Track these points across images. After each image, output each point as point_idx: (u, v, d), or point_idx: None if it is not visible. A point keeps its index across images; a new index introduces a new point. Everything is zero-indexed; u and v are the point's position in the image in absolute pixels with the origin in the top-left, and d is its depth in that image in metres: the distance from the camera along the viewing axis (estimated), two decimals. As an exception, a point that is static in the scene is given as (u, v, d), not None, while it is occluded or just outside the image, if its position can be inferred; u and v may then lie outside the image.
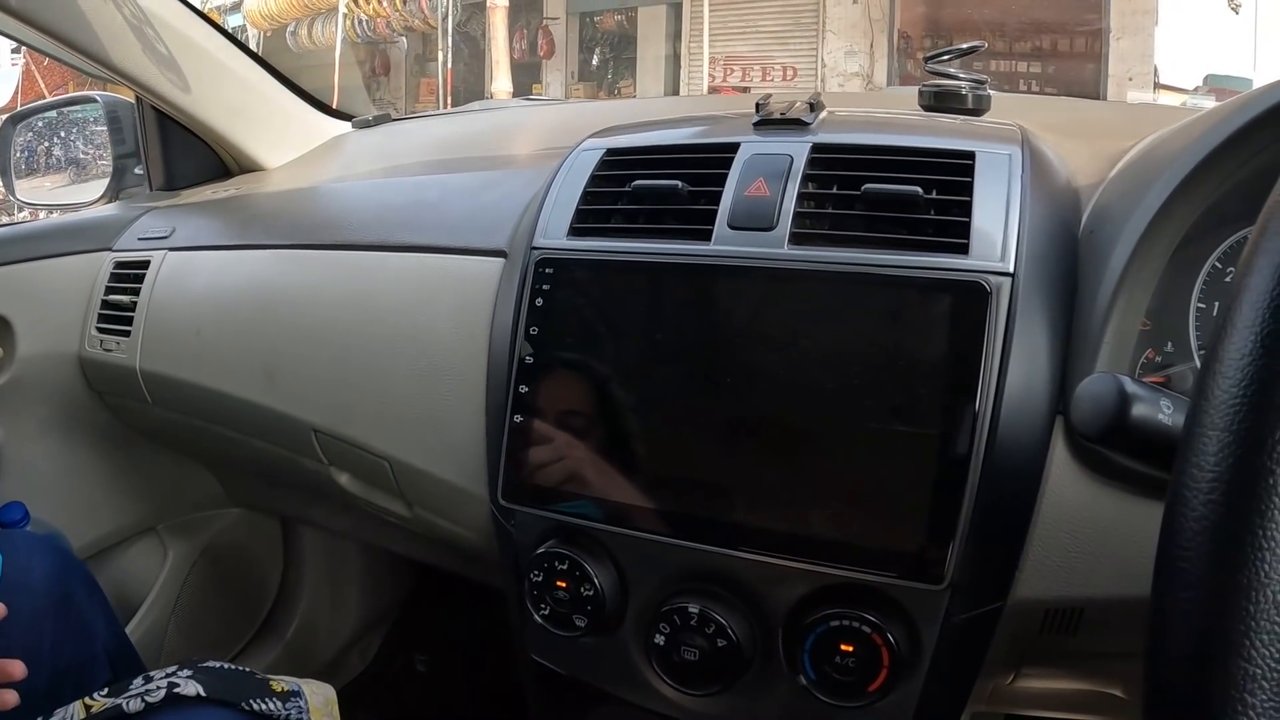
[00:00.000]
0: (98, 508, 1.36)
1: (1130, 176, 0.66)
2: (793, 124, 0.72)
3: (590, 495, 0.67)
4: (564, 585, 0.68)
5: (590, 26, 11.28)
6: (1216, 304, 0.67)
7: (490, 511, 0.74)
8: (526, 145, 0.96)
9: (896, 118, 0.87)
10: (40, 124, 1.68)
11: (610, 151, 0.77)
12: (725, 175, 0.69)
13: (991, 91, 0.91)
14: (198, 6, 1.36)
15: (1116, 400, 0.42)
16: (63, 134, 1.68)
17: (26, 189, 1.59)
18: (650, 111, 1.08)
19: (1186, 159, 0.59)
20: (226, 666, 0.81)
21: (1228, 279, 0.67)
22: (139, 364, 1.13)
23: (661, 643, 0.66)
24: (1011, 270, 0.60)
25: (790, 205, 0.66)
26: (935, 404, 0.59)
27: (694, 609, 0.64)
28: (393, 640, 1.76)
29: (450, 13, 10.66)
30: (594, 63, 11.35)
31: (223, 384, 1.02)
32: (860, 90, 9.30)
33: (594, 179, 0.75)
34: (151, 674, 0.78)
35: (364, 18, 11.11)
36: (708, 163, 0.71)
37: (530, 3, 11.24)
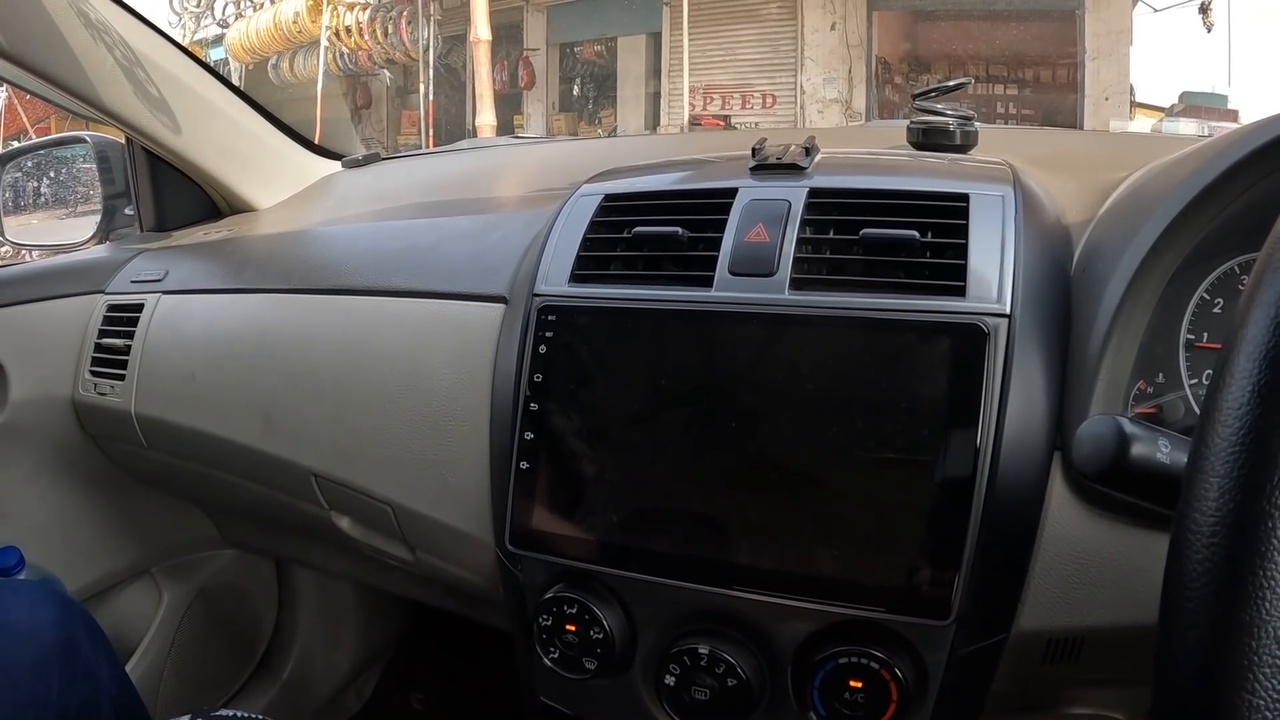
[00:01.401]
0: (92, 551, 1.35)
1: (1121, 213, 0.68)
2: (789, 169, 0.73)
3: (597, 540, 0.68)
4: (573, 629, 0.68)
5: (570, 57, 11.38)
6: (1205, 334, 0.68)
7: (496, 556, 0.74)
8: (519, 187, 0.97)
9: (889, 159, 0.89)
10: (30, 164, 1.68)
11: (609, 197, 0.78)
12: (724, 221, 0.70)
13: (982, 125, 0.93)
14: (181, 43, 1.36)
15: (1116, 441, 0.43)
16: (51, 174, 1.69)
17: (15, 229, 1.59)
18: (639, 151, 1.10)
19: (1180, 196, 0.60)
20: (238, 715, 0.81)
21: (1216, 310, 0.68)
22: (134, 408, 1.13)
23: (672, 683, 0.66)
24: (1008, 311, 0.62)
25: (790, 250, 0.67)
26: (936, 443, 0.60)
27: (704, 649, 0.64)
28: (389, 679, 1.75)
29: (431, 45, 10.74)
30: (575, 93, 11.45)
31: (220, 429, 1.02)
32: (839, 116, 9.40)
33: (593, 225, 0.76)
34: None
35: (346, 51, 11.17)
36: (706, 208, 0.72)
37: (511, 34, 11.32)
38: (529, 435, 0.70)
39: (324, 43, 10.82)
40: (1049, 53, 9.26)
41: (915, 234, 0.65)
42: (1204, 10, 8.46)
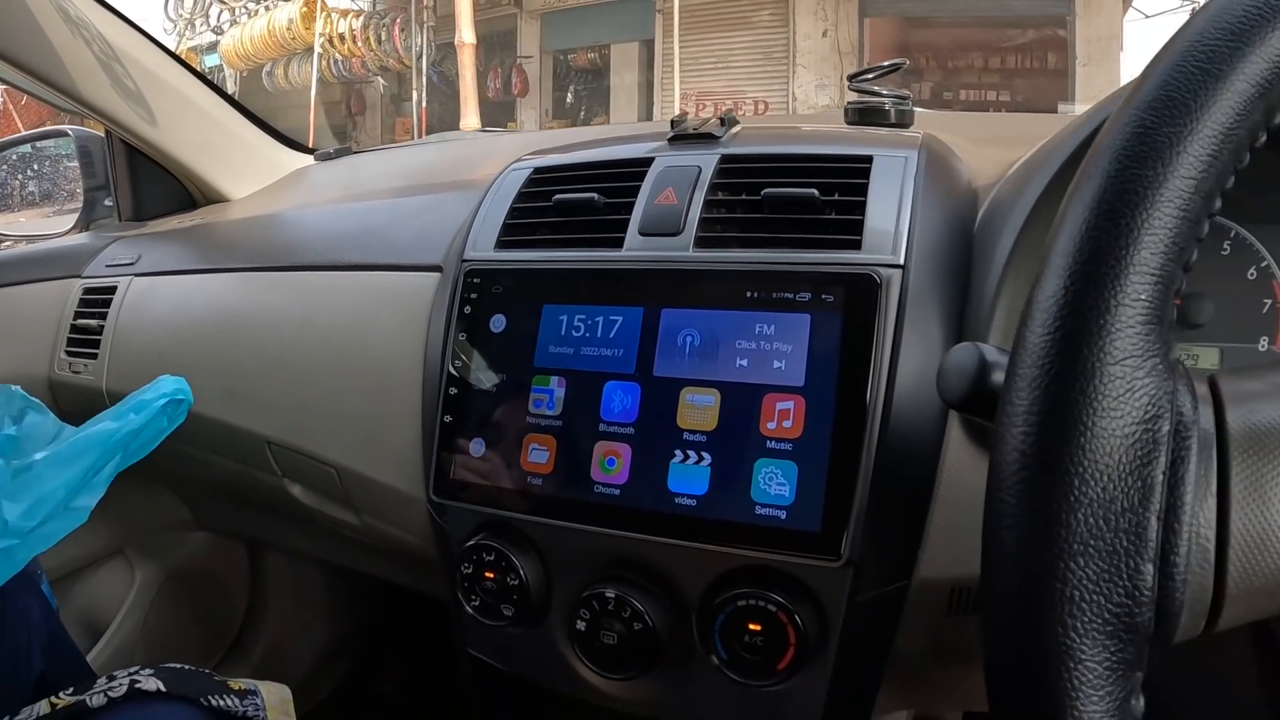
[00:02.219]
0: (67, 530, 1.39)
1: (1019, 173, 0.70)
2: (704, 138, 0.77)
3: (512, 488, 0.71)
4: (491, 576, 0.71)
5: (564, 64, 11.43)
6: None
7: (428, 512, 0.78)
8: (475, 171, 1.01)
9: (809, 130, 0.91)
10: (14, 157, 1.73)
11: (537, 170, 0.81)
12: (639, 187, 0.74)
13: (936, 110, 0.94)
14: (171, 47, 1.41)
15: (976, 367, 0.43)
16: (35, 167, 1.73)
17: (1, 224, 1.63)
18: (588, 137, 1.14)
19: (1067, 146, 0.62)
20: (187, 668, 0.84)
21: None
22: (105, 385, 1.17)
23: (583, 628, 0.68)
24: (902, 263, 0.64)
25: (697, 212, 0.70)
26: (829, 389, 0.62)
27: (610, 594, 0.66)
28: (360, 665, 1.78)
29: (425, 52, 10.79)
30: (568, 100, 11.48)
31: (184, 402, 1.06)
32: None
33: (521, 195, 0.80)
34: (116, 673, 0.81)
35: (339, 58, 11.22)
36: (624, 176, 0.76)
37: (505, 41, 11.38)
38: (452, 391, 0.74)
39: (317, 50, 10.87)
40: (1040, 59, 9.31)
41: (814, 192, 0.68)
42: (1193, 17, 8.50)
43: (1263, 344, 0.71)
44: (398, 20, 10.84)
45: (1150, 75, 0.37)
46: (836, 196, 0.69)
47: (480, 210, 0.81)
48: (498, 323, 0.74)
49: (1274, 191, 0.70)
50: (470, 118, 8.31)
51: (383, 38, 10.84)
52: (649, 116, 10.57)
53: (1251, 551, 0.34)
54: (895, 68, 1.06)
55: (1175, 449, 0.34)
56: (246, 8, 12.21)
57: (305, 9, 10.98)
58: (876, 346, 0.62)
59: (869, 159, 0.70)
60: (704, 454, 0.64)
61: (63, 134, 1.60)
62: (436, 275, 0.83)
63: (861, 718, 0.71)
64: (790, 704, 0.67)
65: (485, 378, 0.73)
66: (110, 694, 0.78)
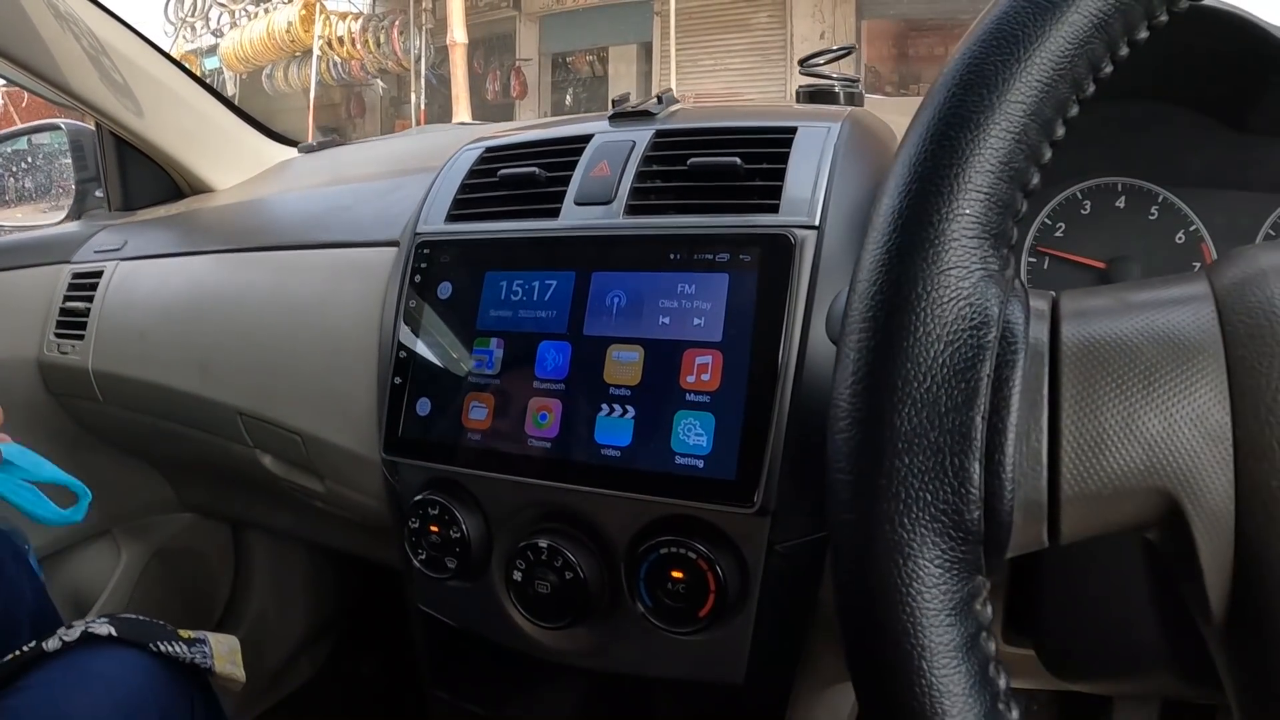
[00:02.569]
0: (56, 509, 1.43)
1: None
2: (641, 115, 0.81)
3: (454, 444, 0.75)
4: (436, 530, 0.75)
5: (563, 67, 11.47)
6: (1049, 257, 0.75)
7: (381, 472, 0.82)
8: (443, 156, 1.06)
9: (745, 107, 0.95)
10: (9, 151, 1.78)
11: (488, 149, 0.86)
12: (576, 161, 0.78)
13: (883, 98, 0.97)
14: (171, 49, 1.45)
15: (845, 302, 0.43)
16: (29, 161, 1.78)
17: (-2, 217, 1.68)
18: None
19: None
20: (141, 618, 0.89)
21: (1058, 234, 0.75)
22: (91, 364, 1.22)
23: (519, 578, 0.72)
24: (817, 224, 0.67)
25: (629, 183, 0.74)
26: (746, 345, 0.65)
27: (544, 544, 0.70)
28: (341, 647, 1.82)
29: (424, 55, 10.84)
30: (567, 102, 11.51)
31: (164, 378, 1.11)
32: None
33: (472, 172, 0.84)
34: (75, 622, 0.86)
35: (338, 60, 11.27)
36: (565, 152, 0.80)
37: (503, 44, 11.42)
38: (402, 355, 0.78)
39: (316, 52, 10.93)
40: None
41: (737, 160, 0.71)
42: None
43: None
44: (396, 23, 10.90)
45: (987, 12, 0.39)
46: (761, 165, 0.72)
47: (433, 187, 0.85)
48: (444, 290, 0.78)
49: (1201, 156, 0.73)
50: (462, 115, 8.36)
51: (381, 40, 10.90)
52: (647, 119, 10.60)
53: (1084, 456, 0.35)
54: (846, 52, 1.10)
55: (1002, 355, 0.35)
56: (246, 10, 12.27)
57: (304, 12, 11.04)
58: (790, 303, 0.65)
59: (793, 130, 0.73)
60: (628, 407, 0.68)
61: (55, 127, 1.65)
62: (394, 250, 0.88)
63: (787, 670, 0.73)
64: (716, 654, 0.70)
65: (431, 341, 0.78)
66: (65, 638, 0.83)
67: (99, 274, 1.27)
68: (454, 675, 0.91)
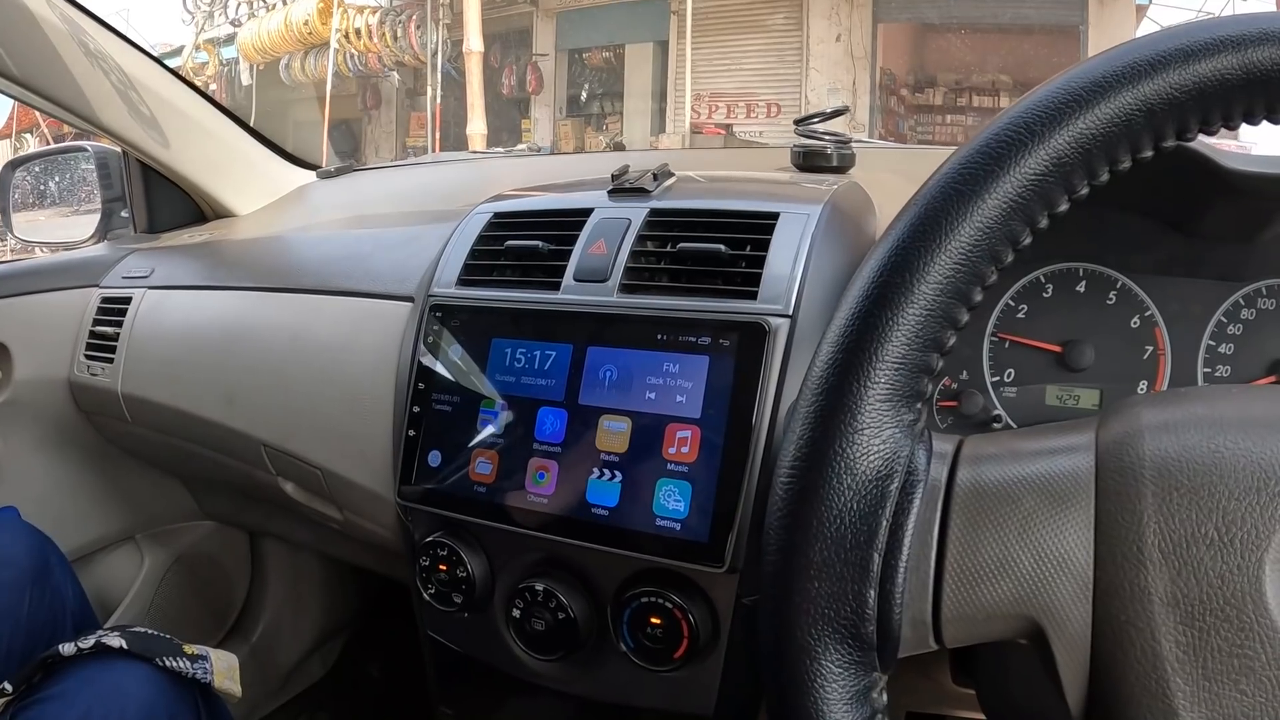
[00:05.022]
0: (84, 516, 1.51)
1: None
2: (637, 191, 0.87)
3: (462, 495, 0.82)
4: (444, 569, 0.82)
5: (579, 63, 11.48)
6: (1009, 341, 0.82)
7: (396, 511, 0.89)
8: (458, 200, 1.12)
9: (737, 184, 1.01)
10: (37, 168, 1.85)
11: (495, 215, 0.93)
12: (577, 235, 0.84)
13: (883, 145, 1.00)
14: (189, 39, 1.51)
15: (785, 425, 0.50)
16: (56, 178, 1.85)
17: (24, 225, 1.74)
18: (555, 172, 1.24)
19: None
20: (150, 631, 0.97)
21: (1020, 315, 0.81)
22: (120, 388, 1.29)
23: (518, 615, 0.79)
24: (790, 313, 0.73)
25: (623, 261, 0.81)
26: (722, 423, 0.72)
27: (540, 587, 0.78)
28: (352, 649, 1.90)
29: (440, 49, 10.88)
30: (582, 98, 11.54)
31: (191, 406, 1.19)
32: (843, 125, 9.44)
33: (480, 238, 0.91)
34: (87, 634, 0.93)
35: (355, 53, 11.30)
36: (566, 225, 0.86)
37: (520, 39, 11.46)
38: (416, 409, 0.85)
39: (334, 45, 10.98)
40: (1053, 66, 9.32)
41: (721, 247, 0.77)
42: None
43: (1142, 387, 0.79)
44: (413, 17, 10.94)
45: (917, 195, 0.45)
46: (744, 252, 0.78)
47: (446, 249, 0.92)
48: (455, 351, 0.85)
49: (1156, 252, 0.79)
50: (476, 123, 8.40)
51: (398, 34, 10.94)
52: (662, 118, 10.64)
53: (963, 588, 0.42)
54: (839, 113, 1.17)
55: (901, 500, 0.43)
56: (264, 1, 12.34)
57: (322, 4, 11.08)
58: (762, 385, 0.71)
59: (776, 215, 0.80)
60: (616, 472, 0.75)
61: (82, 150, 1.71)
62: (409, 305, 0.95)
63: (752, 705, 0.80)
64: (689, 689, 0.77)
65: (442, 400, 0.85)
66: (80, 645, 0.91)
67: (128, 300, 1.34)
68: (458, 694, 0.98)
